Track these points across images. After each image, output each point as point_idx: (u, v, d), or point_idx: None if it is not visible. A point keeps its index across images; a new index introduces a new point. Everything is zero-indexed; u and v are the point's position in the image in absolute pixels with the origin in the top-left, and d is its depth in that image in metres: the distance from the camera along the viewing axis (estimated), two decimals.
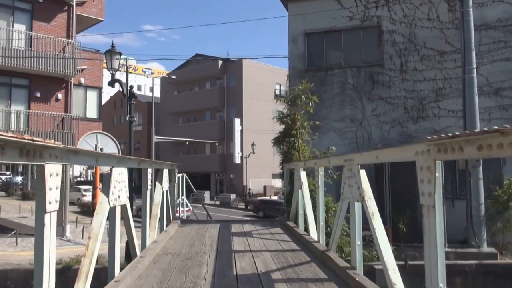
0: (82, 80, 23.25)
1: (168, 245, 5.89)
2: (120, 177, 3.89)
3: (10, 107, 20.56)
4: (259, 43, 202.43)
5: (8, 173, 57.07)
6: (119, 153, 8.63)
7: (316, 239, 5.79)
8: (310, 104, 8.44)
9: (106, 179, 3.57)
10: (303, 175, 6.68)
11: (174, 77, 34.69)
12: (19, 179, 50.10)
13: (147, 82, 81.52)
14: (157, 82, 63.21)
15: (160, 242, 5.71)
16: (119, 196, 3.82)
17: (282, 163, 8.84)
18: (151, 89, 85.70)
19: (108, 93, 73.20)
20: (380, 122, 11.26)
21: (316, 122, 9.04)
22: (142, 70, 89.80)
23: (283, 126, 9.14)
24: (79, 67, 22.32)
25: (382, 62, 11.65)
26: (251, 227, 7.90)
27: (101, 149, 8.24)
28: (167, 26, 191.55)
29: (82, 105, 23.37)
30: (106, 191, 3.48)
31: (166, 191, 7.05)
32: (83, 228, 24.16)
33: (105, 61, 11.47)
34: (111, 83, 11.49)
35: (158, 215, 6.02)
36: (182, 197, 9.46)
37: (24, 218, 28.11)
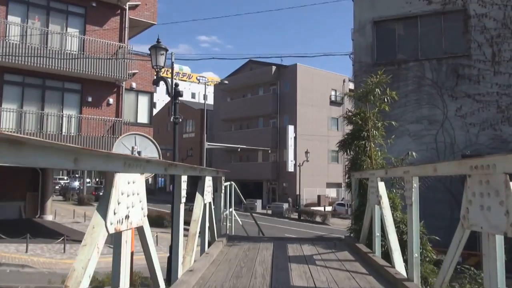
0: (134, 85, 22.81)
1: (207, 275, 4.57)
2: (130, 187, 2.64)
3: (62, 112, 20.36)
4: (316, 48, 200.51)
5: (66, 177, 58.86)
6: (159, 158, 7.39)
7: (405, 275, 4.28)
8: (386, 100, 6.90)
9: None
10: (381, 186, 5.18)
11: (226, 82, 33.91)
12: (76, 184, 51.36)
13: (201, 90, 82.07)
14: (211, 90, 63.24)
15: (197, 271, 4.40)
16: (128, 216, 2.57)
17: (349, 171, 7.37)
18: (205, 97, 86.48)
19: (164, 100, 74.28)
20: (466, 124, 9.33)
21: (393, 123, 7.46)
22: (196, 78, 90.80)
23: (350, 128, 7.63)
24: (130, 71, 21.89)
25: (468, 52, 9.64)
26: (312, 249, 6.45)
27: (139, 153, 7.08)
28: (221, 36, 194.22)
29: (133, 110, 22.90)
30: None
31: (210, 203, 5.77)
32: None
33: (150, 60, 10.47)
34: (156, 82, 10.51)
35: (197, 235, 4.74)
36: (230, 209, 8.15)
37: (77, 223, 28.18)
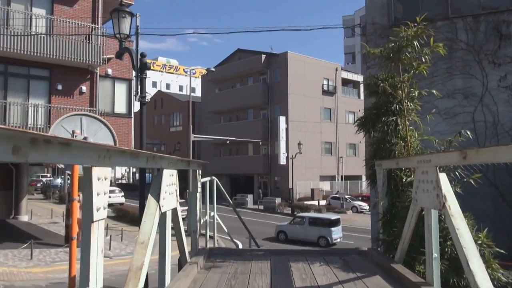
0: (110, 71, 20.62)
1: None
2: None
3: (28, 101, 18.16)
4: (306, 37, 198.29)
5: (49, 175, 56.36)
6: (115, 145, 5.26)
7: None
8: (425, 59, 4.91)
9: None
10: (444, 181, 3.22)
11: (213, 69, 31.79)
12: (59, 181, 48.96)
13: (189, 83, 79.72)
14: (199, 83, 60.98)
15: None
16: None
17: (372, 159, 5.39)
18: (193, 90, 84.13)
19: (150, 94, 71.88)
20: None
21: (434, 91, 5.48)
22: (183, 70, 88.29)
23: (361, 103, 5.64)
24: (105, 56, 19.69)
25: None
26: (327, 272, 4.48)
27: (85, 138, 4.99)
28: (210, 30, 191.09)
29: (110, 99, 20.74)
30: None
31: (175, 209, 3.78)
32: (121, 236, 21.62)
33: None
34: (119, 54, 8.45)
35: (145, 267, 2.73)
36: (212, 213, 6.15)
37: (54, 223, 26.02)
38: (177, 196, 3.83)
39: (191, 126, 26.55)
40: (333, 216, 26.08)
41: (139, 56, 8.30)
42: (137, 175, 67.20)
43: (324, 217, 25.60)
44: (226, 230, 7.08)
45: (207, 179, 5.71)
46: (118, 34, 8.12)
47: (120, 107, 21.02)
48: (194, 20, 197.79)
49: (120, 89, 21.17)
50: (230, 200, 6.83)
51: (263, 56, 45.79)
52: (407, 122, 5.10)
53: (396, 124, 5.19)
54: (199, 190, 5.11)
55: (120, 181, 69.62)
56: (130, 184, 63.40)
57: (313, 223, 24.79)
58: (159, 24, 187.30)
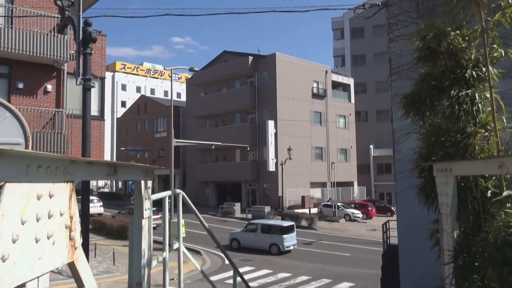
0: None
1: None
2: None
3: None
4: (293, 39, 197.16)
5: None
6: (26, 139, 3.05)
7: None
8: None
9: None
10: None
11: (196, 69, 29.75)
12: None
13: (174, 87, 77.41)
14: (184, 88, 58.84)
15: None
16: None
17: (425, 159, 3.46)
18: (179, 95, 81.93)
19: (133, 98, 69.46)
20: None
21: None
22: (168, 75, 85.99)
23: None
24: (72, 51, 17.52)
25: None
26: None
27: None
28: (196, 38, 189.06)
29: (79, 99, 18.48)
30: None
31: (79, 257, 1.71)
32: (95, 251, 19.32)
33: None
34: (61, 28, 6.41)
35: None
36: (177, 245, 4.07)
37: None
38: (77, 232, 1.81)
39: (172, 130, 24.40)
40: (285, 223, 25.10)
41: (81, 24, 6.22)
42: (120, 183, 64.58)
43: (276, 224, 24.66)
44: (199, 268, 4.99)
45: (165, 194, 3.66)
46: (60, 1, 6.07)
47: (92, 107, 18.79)
48: (178, 26, 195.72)
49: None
50: (205, 225, 4.72)
51: (250, 58, 43.90)
52: (492, 97, 3.12)
53: (472, 102, 3.24)
54: (147, 214, 3.03)
55: (102, 190, 66.90)
56: (112, 193, 60.77)
57: (265, 231, 24.03)
58: (147, 28, 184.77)
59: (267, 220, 28.59)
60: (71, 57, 17.43)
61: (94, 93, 19.12)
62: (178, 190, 4.06)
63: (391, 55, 5.90)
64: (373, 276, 19.10)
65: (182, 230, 22.88)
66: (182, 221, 4.41)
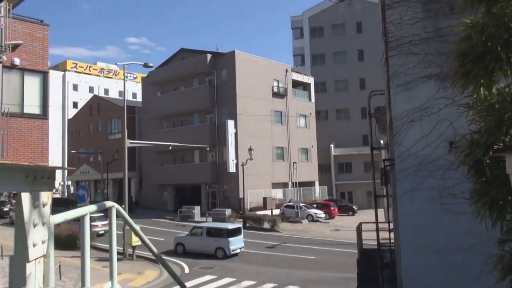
0: (17, 61, 16.45)
1: None
2: None
3: None
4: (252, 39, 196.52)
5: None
6: None
7: None
8: None
9: None
10: None
11: (151, 65, 28.00)
12: None
13: (129, 88, 74.49)
14: (140, 88, 56.55)
15: None
16: None
17: (484, 147, 2.36)
18: (134, 95, 79.09)
19: (86, 99, 66.18)
20: None
21: None
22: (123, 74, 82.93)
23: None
24: (10, 42, 15.60)
25: None
26: None
27: None
28: (152, 38, 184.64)
29: (18, 96, 16.56)
30: None
31: None
32: None
33: None
34: None
35: None
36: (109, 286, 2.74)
37: None
38: None
39: (126, 130, 22.65)
40: (231, 226, 24.30)
41: None
42: (72, 188, 61.28)
43: (221, 227, 23.73)
44: None
45: (90, 208, 2.34)
46: None
47: (33, 105, 16.90)
48: (133, 26, 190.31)
49: (32, 83, 17.04)
50: (146, 242, 3.40)
51: (209, 56, 42.45)
52: None
53: None
54: (39, 251, 1.64)
55: (54, 195, 63.25)
56: (63, 199, 57.43)
57: (210, 234, 23.21)
58: (101, 28, 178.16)
59: (213, 223, 27.53)
60: (8, 48, 15.51)
61: (36, 89, 17.29)
62: (110, 203, 2.75)
63: (388, 26, 4.80)
64: (342, 281, 18.21)
65: (134, 238, 21.01)
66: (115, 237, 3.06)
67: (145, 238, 4.21)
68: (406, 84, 4.59)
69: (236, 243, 22.96)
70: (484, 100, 2.67)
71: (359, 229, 12.50)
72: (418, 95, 4.57)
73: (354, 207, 45.31)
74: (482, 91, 2.68)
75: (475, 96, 2.76)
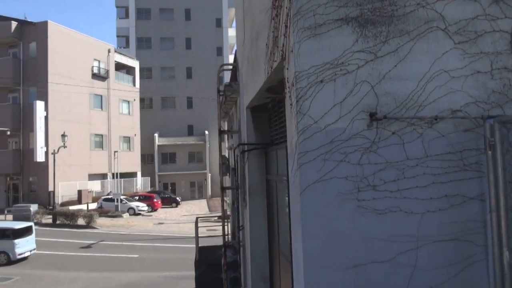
0: None
1: None
2: None
3: None
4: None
5: None
6: None
7: None
8: None
9: None
10: None
11: None
12: None
13: None
14: None
15: None
16: None
17: None
18: None
19: None
20: None
21: None
22: None
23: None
24: None
25: None
26: None
27: None
28: None
29: None
30: None
31: None
32: None
33: None
34: None
35: None
36: None
37: None
38: None
39: None
40: (18, 225, 20.94)
41: None
42: None
43: (5, 227, 20.42)
44: None
45: None
46: None
47: None
48: None
49: None
50: None
51: (14, 24, 35.90)
52: None
53: None
54: None
55: None
56: None
57: None
58: None
59: None
60: None
61: None
62: None
63: None
64: (170, 281, 16.61)
65: None
66: None
67: None
68: (314, 28, 3.16)
69: (25, 245, 19.63)
70: None
71: (196, 225, 11.04)
72: (330, 46, 3.19)
73: (177, 198, 44.13)
74: None
75: None
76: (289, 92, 3.35)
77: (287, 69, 3.42)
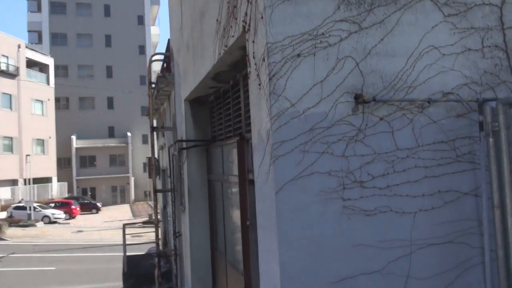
0: None
1: None
2: None
3: None
4: None
5: None
6: None
7: None
8: None
9: None
10: None
11: None
12: None
13: None
14: None
15: None
16: None
17: None
18: None
19: None
20: None
21: None
22: None
23: None
24: None
25: None
26: None
27: None
28: None
29: None
30: None
31: None
32: None
33: None
34: None
35: None
36: None
37: None
38: None
39: None
40: None
41: None
42: None
43: None
44: None
45: None
46: None
47: None
48: None
49: None
50: None
51: None
52: None
53: None
54: None
55: None
56: None
57: None
58: None
59: None
60: None
61: None
62: None
63: None
64: None
65: None
66: None
67: None
68: None
69: None
70: None
71: (124, 232, 9.99)
72: (308, 12, 2.61)
73: (98, 204, 41.64)
74: None
75: None
76: (257, 70, 2.72)
77: (253, 42, 2.79)
